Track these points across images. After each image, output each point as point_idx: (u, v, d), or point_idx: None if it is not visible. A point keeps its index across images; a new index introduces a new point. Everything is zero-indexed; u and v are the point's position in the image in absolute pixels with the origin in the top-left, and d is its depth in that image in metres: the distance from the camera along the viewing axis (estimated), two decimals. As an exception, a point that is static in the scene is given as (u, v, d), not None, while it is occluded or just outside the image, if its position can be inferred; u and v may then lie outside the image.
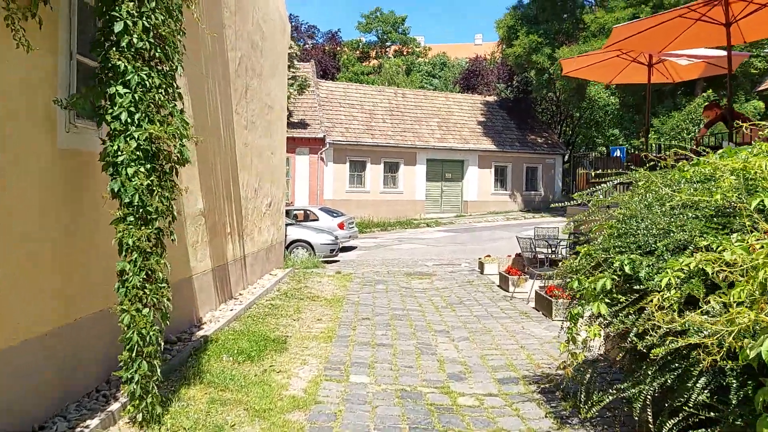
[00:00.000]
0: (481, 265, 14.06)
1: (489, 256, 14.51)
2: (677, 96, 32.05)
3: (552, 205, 14.25)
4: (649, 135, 29.89)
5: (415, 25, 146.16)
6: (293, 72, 27.02)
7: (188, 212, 7.40)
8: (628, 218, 4.79)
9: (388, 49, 70.21)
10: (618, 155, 29.26)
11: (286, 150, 28.96)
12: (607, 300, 4.43)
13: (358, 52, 67.14)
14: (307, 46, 45.52)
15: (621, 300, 4.39)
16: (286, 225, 17.17)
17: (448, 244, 21.86)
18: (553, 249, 12.61)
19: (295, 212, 21.56)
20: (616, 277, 4.40)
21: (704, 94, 28.61)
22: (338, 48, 53.97)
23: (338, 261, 17.46)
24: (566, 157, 38.87)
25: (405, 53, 70.26)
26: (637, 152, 12.62)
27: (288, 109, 28.01)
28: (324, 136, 29.26)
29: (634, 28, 9.43)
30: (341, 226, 20.27)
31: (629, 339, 4.30)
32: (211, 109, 8.14)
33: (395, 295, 11.09)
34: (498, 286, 12.21)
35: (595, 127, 44.79)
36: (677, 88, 31.87)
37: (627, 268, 4.33)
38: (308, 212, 21.23)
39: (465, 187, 34.44)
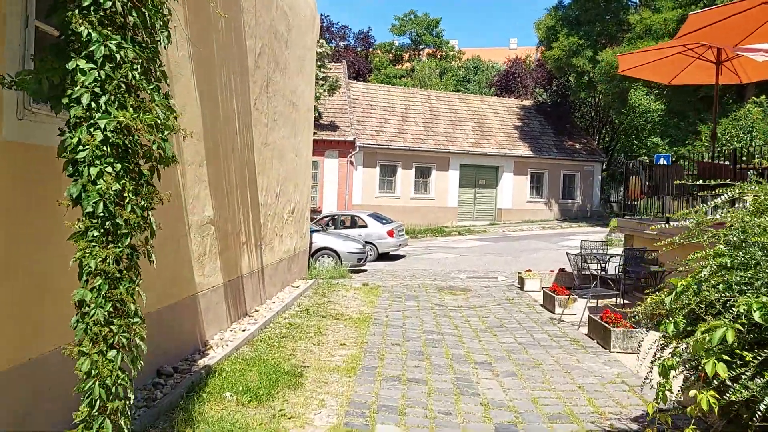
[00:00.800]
0: (521, 281, 12.86)
1: (530, 270, 13.31)
2: (725, 102, 30.33)
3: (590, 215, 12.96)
4: (696, 144, 28.26)
5: (449, 29, 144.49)
6: (324, 72, 26.14)
7: (194, 220, 6.41)
8: (748, 245, 3.63)
9: (421, 52, 69.12)
10: (663, 163, 27.77)
11: (315, 153, 28.11)
12: (725, 357, 3.28)
13: (390, 54, 66.17)
14: (338, 47, 44.71)
15: (746, 358, 3.24)
16: (312, 231, 16.21)
17: (482, 255, 20.67)
18: (604, 265, 11.38)
19: (342, 218, 20.51)
20: (739, 327, 3.25)
21: (756, 99, 26.87)
22: (370, 50, 53.06)
23: (366, 271, 16.43)
24: (605, 164, 37.32)
25: (438, 56, 69.08)
26: (709, 160, 11.24)
27: (317, 110, 27.11)
28: (354, 139, 28.30)
29: (712, 17, 8.22)
30: (391, 233, 19.15)
31: (759, 413, 3.14)
32: (225, 102, 7.16)
33: (428, 313, 9.99)
34: (541, 305, 11.01)
35: (635, 135, 43.06)
36: (725, 93, 30.20)
37: (757, 315, 3.18)
38: (356, 218, 20.10)
39: (499, 194, 33.15)
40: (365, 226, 19.40)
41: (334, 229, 19.77)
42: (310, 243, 15.65)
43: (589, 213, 35.54)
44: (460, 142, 31.79)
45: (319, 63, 25.77)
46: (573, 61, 31.67)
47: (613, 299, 10.46)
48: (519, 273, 13.30)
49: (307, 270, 13.37)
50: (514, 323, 9.41)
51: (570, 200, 35.16)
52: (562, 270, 13.26)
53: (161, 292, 5.59)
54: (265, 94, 8.93)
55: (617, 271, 11.01)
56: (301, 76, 11.67)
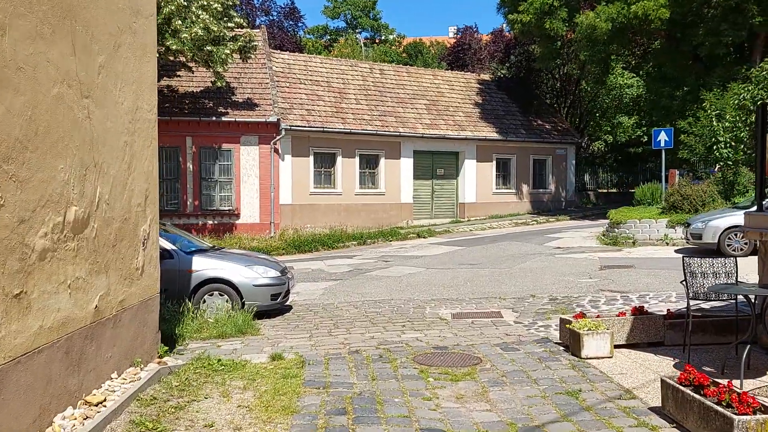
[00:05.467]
0: (575, 338, 6.71)
1: (582, 315, 7.16)
2: (726, 64, 25.12)
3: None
4: (699, 116, 22.44)
5: (385, 17, 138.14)
6: (231, 30, 19.45)
7: None
8: None
9: (358, 37, 63.00)
10: (665, 138, 22.25)
11: (227, 139, 21.28)
12: None
13: (323, 41, 59.85)
14: (262, 23, 38.03)
15: None
16: (193, 251, 9.74)
17: (456, 267, 14.57)
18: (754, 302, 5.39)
19: None
20: None
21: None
22: (300, 33, 46.25)
23: (290, 309, 10.14)
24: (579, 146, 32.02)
25: (377, 42, 63.21)
26: None
27: (226, 81, 20.43)
28: (278, 120, 21.73)
29: None
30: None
31: None
32: None
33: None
34: (663, 415, 4.89)
35: (599, 114, 38.18)
36: (726, 56, 25.05)
37: None
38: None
39: (461, 186, 27.19)
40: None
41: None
42: (187, 274, 9.18)
43: (564, 204, 30.16)
44: (413, 124, 25.69)
45: (224, 16, 19.09)
46: (545, 24, 25.82)
47: None
48: (567, 323, 7.08)
49: (153, 340, 6.84)
50: None
51: (542, 189, 29.64)
52: (638, 310, 7.22)
53: None
54: None
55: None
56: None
